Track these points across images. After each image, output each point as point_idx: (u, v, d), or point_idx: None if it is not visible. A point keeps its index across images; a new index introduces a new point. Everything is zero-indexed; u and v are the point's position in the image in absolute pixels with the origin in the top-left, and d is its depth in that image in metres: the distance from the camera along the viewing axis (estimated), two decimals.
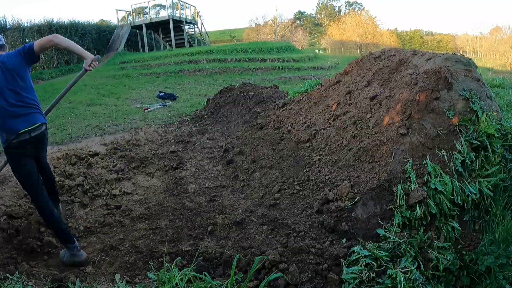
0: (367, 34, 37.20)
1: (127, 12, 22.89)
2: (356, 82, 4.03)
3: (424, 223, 2.36)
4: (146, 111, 7.62)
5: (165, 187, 3.74)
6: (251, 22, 51.48)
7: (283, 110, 4.95)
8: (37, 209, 2.67)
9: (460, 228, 2.39)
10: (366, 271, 2.03)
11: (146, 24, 19.90)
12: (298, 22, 52.33)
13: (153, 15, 24.11)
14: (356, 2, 54.17)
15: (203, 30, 23.82)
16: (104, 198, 3.50)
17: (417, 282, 2.02)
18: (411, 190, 2.44)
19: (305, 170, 3.35)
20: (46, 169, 2.85)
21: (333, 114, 3.87)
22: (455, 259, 2.26)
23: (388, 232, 2.32)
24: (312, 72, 13.74)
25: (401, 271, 2.03)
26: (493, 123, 2.64)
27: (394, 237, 2.25)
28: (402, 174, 2.56)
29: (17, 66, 2.39)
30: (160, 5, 33.88)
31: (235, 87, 7.14)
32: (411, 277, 2.02)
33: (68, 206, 3.33)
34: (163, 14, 23.68)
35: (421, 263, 2.18)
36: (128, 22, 21.16)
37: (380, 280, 1.99)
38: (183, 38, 20.97)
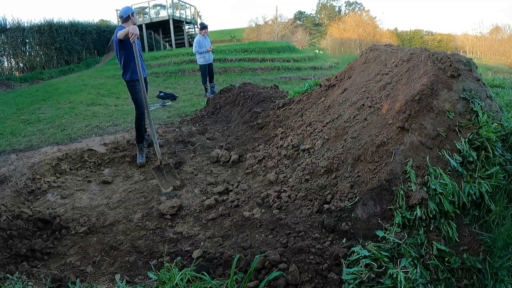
0: (367, 34, 37.18)
1: None
2: (356, 82, 4.04)
3: (424, 224, 2.36)
4: None
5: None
6: (251, 22, 51.54)
7: (283, 110, 4.96)
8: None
9: (460, 229, 2.39)
10: (366, 271, 2.02)
11: (146, 24, 19.89)
12: (298, 22, 52.30)
13: (153, 15, 24.06)
14: (356, 2, 54.15)
15: None
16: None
17: (417, 282, 2.02)
18: (411, 191, 2.44)
19: (305, 171, 3.34)
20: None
21: (333, 114, 3.87)
22: (455, 260, 2.26)
23: (388, 232, 2.32)
24: (312, 72, 13.75)
25: (401, 271, 2.02)
26: (493, 124, 2.64)
27: (394, 238, 2.25)
28: (402, 174, 2.55)
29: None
30: (160, 5, 33.84)
31: (235, 87, 7.14)
32: (411, 277, 2.02)
33: None
34: (163, 14, 23.62)
35: (421, 264, 2.18)
36: None
37: (381, 280, 1.99)
38: (183, 38, 20.96)
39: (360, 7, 52.68)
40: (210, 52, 8.64)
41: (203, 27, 8.68)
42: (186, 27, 22.06)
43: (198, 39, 8.54)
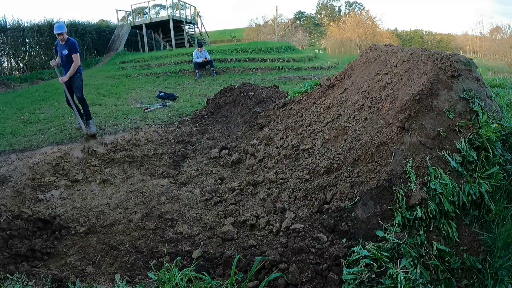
0: (367, 34, 37.20)
1: (127, 12, 22.86)
2: (356, 82, 4.04)
3: (424, 224, 2.36)
4: (146, 111, 7.62)
5: (166, 189, 3.74)
6: (251, 22, 51.59)
7: (283, 110, 4.96)
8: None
9: (460, 229, 2.39)
10: (366, 271, 2.02)
11: (146, 24, 19.88)
12: (298, 22, 52.32)
13: (153, 15, 24.10)
14: (356, 2, 54.19)
15: (203, 30, 23.80)
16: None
17: (417, 282, 2.02)
18: (411, 191, 2.44)
19: (305, 171, 3.34)
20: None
21: (333, 114, 3.87)
22: (455, 260, 2.26)
23: (388, 232, 2.32)
24: (312, 72, 13.73)
25: (401, 271, 2.02)
26: (493, 124, 2.64)
27: (394, 238, 2.25)
28: (402, 174, 2.55)
29: None
30: (160, 5, 33.93)
31: (235, 87, 7.14)
32: (412, 277, 2.02)
33: None
34: (163, 14, 23.65)
35: (421, 264, 2.18)
36: (128, 22, 21.12)
37: (381, 280, 1.99)
38: (183, 38, 20.95)
39: (360, 7, 52.76)
40: (203, 57, 12.67)
41: (200, 45, 12.78)
42: (186, 27, 22.05)
43: (196, 52, 12.53)
